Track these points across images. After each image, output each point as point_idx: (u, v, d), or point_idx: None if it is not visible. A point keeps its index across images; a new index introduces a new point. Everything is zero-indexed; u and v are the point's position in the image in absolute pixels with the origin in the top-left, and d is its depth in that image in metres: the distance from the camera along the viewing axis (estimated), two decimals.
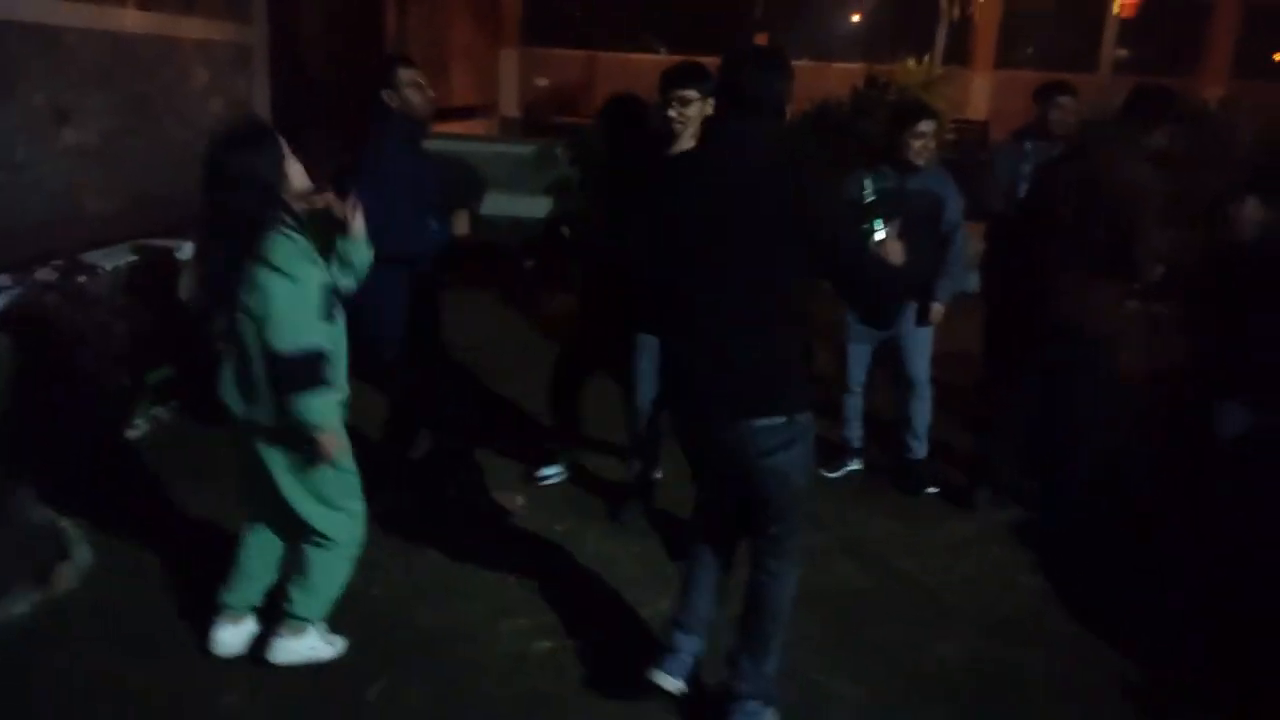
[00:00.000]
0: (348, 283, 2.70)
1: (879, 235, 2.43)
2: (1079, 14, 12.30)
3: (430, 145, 6.27)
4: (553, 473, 3.93)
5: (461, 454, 4.08)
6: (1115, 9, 9.48)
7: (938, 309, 4.00)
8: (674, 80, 3.25)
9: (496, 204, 7.95)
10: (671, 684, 2.63)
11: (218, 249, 2.50)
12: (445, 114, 11.64)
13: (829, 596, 3.29)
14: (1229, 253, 3.65)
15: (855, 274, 2.33)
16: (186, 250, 5.22)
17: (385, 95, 3.39)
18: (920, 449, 4.11)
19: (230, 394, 2.55)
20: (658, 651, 2.69)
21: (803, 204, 2.26)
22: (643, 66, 12.57)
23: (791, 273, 2.29)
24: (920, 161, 3.75)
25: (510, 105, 12.43)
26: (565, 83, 12.16)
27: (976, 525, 3.85)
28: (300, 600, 2.74)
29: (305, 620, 2.75)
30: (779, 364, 2.34)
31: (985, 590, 3.40)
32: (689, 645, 2.67)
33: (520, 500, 3.79)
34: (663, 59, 12.16)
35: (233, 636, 2.80)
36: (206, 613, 2.86)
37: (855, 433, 4.20)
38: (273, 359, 2.41)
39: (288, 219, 2.46)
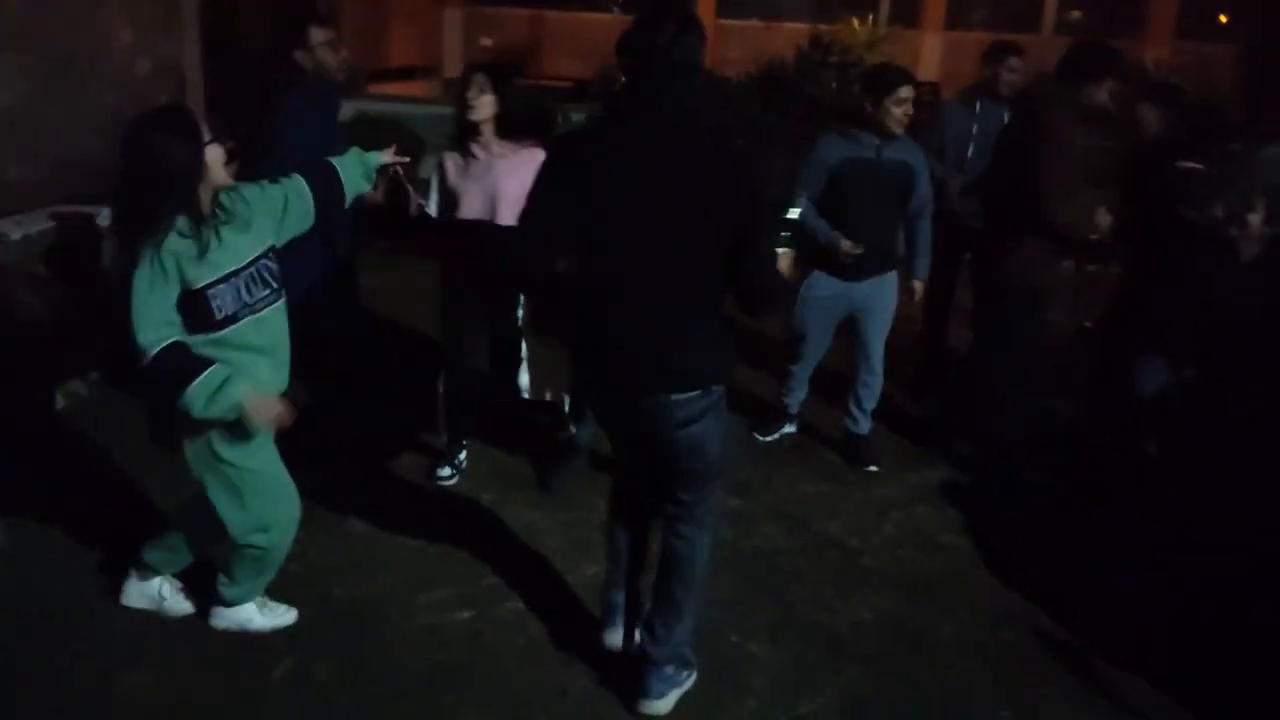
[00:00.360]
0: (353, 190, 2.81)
1: (781, 250, 2.53)
2: None
3: (369, 107, 6.13)
4: (447, 474, 3.74)
5: (400, 425, 4.04)
6: None
7: (918, 286, 4.02)
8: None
9: None
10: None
11: (120, 236, 2.38)
12: (385, 75, 11.39)
13: (751, 560, 3.32)
14: (1138, 157, 3.95)
15: (758, 263, 2.33)
16: (107, 216, 5.07)
17: (298, 56, 3.32)
18: (865, 425, 4.07)
19: None
20: (600, 618, 2.78)
21: (740, 184, 2.24)
22: (593, 26, 12.35)
23: (719, 247, 2.26)
24: (899, 130, 3.65)
25: (454, 67, 12.15)
26: (511, 43, 11.93)
27: (904, 486, 3.89)
28: (228, 589, 2.75)
29: (237, 603, 2.77)
30: (700, 339, 2.33)
31: (907, 551, 3.44)
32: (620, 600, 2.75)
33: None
34: (615, 18, 11.97)
35: (136, 591, 2.83)
36: (119, 591, 2.86)
37: (797, 399, 4.17)
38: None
39: (188, 216, 2.33)
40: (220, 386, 2.33)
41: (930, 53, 11.47)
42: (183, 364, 2.32)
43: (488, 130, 3.36)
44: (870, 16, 8.26)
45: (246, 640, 2.76)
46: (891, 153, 3.68)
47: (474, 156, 3.40)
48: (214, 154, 2.38)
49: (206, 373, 2.33)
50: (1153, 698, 2.74)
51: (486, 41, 11.47)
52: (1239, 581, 3.07)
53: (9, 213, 4.74)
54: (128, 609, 2.83)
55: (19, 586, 2.95)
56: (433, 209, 3.52)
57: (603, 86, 8.02)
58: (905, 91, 3.62)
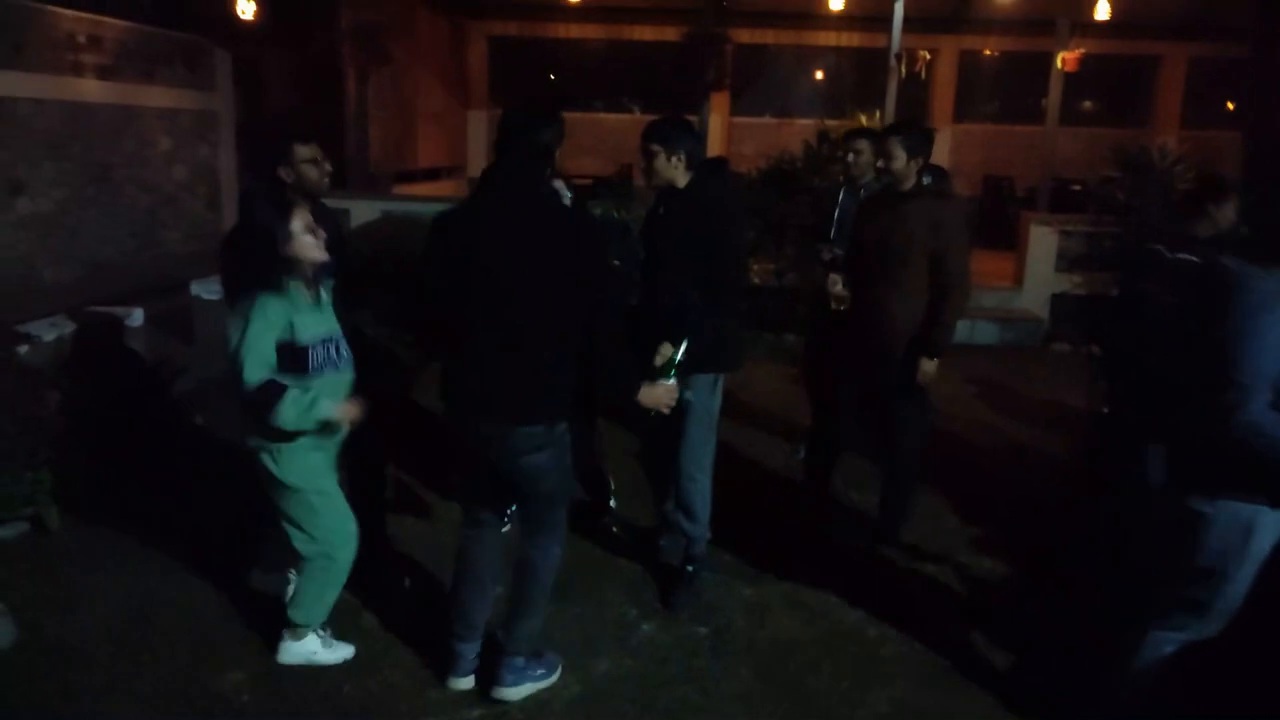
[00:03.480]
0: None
1: (670, 382, 2.87)
2: (1028, 70, 12.75)
3: (395, 206, 6.25)
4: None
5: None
6: (1058, 64, 9.83)
7: None
8: (643, 133, 3.43)
9: None
10: (464, 684, 2.97)
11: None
12: (412, 176, 11.78)
13: (768, 650, 3.26)
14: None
15: (609, 337, 2.69)
16: (137, 317, 5.20)
17: (281, 171, 3.32)
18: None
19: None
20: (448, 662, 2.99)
21: (579, 255, 2.63)
22: (611, 126, 12.77)
23: (566, 307, 2.61)
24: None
25: (478, 166, 12.59)
26: None
27: (922, 575, 3.83)
28: (291, 607, 3.06)
29: (300, 626, 3.05)
30: (544, 382, 2.65)
31: (923, 640, 3.36)
32: (470, 651, 2.98)
33: None
34: (633, 119, 12.37)
35: (291, 651, 3.10)
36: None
37: None
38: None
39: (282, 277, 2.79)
40: (311, 404, 2.75)
41: (940, 144, 11.78)
42: (277, 391, 2.74)
43: None
44: (877, 112, 8.47)
45: None
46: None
47: None
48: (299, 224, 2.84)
49: (295, 392, 2.75)
50: None
51: None
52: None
53: (43, 314, 4.89)
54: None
55: (22, 680, 2.96)
56: None
57: (618, 181, 8.26)
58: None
